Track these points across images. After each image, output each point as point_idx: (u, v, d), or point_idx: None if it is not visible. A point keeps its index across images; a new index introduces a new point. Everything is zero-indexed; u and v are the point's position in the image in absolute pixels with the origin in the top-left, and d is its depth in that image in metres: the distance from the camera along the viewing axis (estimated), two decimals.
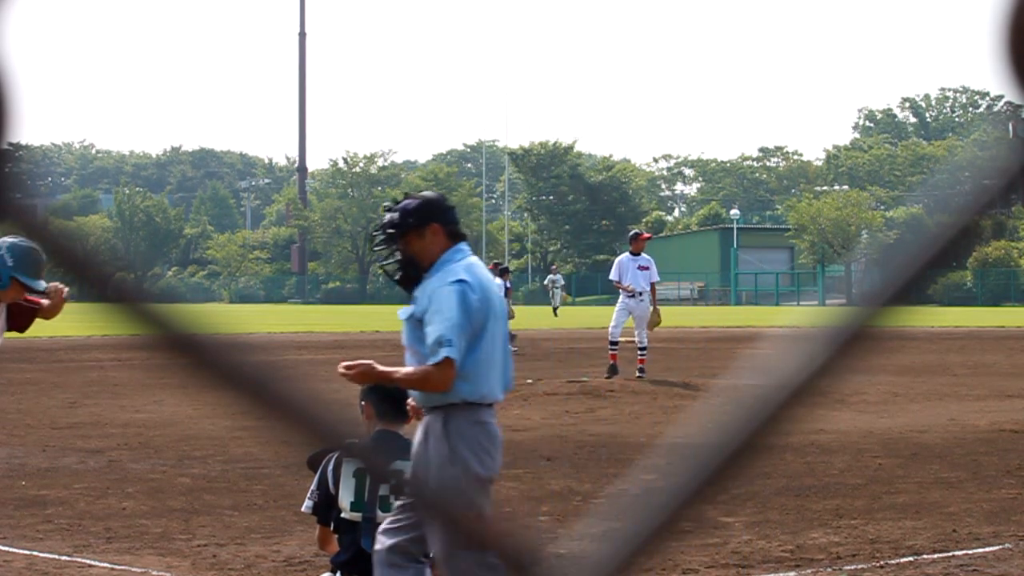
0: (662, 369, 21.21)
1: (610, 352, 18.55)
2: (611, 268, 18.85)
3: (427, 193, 5.31)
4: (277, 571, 7.13)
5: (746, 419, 1.00)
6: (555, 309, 51.28)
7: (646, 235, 19.12)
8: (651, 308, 18.23)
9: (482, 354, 4.96)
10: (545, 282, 57.65)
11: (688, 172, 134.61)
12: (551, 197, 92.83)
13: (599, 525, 7.57)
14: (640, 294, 18.31)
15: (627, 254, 18.75)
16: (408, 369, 4.96)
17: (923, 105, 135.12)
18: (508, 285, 27.18)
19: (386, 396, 5.39)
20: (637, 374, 18.08)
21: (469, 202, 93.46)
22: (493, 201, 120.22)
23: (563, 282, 52.40)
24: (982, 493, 9.41)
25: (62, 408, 15.76)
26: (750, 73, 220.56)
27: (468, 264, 5.04)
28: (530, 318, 47.10)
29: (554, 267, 57.45)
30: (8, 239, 6.69)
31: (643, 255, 18.55)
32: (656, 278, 18.39)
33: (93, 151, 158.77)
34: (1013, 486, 9.72)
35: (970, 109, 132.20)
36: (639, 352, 18.30)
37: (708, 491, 1.02)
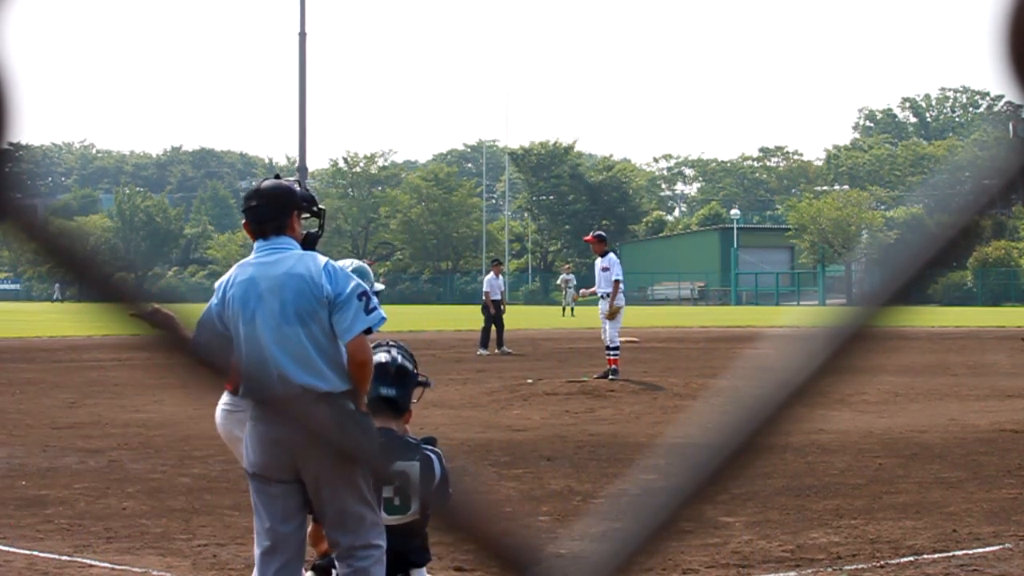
0: (662, 369, 21.20)
1: (607, 357, 18.48)
2: (615, 266, 18.76)
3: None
4: None
5: (746, 419, 1.00)
6: (571, 309, 52.10)
7: (587, 237, 18.96)
8: (612, 302, 18.10)
9: (239, 349, 5.08)
10: (558, 281, 58.38)
11: (688, 172, 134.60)
12: (551, 197, 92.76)
13: (599, 525, 7.57)
14: (605, 296, 18.23)
15: (598, 257, 18.70)
16: None
17: (923, 105, 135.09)
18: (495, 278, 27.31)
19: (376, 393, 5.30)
20: (610, 376, 17.92)
21: (469, 202, 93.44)
22: (493, 201, 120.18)
23: (575, 282, 52.89)
24: (982, 493, 9.41)
25: (62, 408, 15.76)
26: (750, 73, 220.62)
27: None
28: (530, 318, 47.10)
29: (567, 267, 58.53)
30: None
31: (609, 256, 18.41)
32: (616, 276, 18.11)
33: (93, 151, 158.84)
34: (1013, 486, 9.72)
35: (970, 109, 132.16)
36: (607, 352, 18.19)
37: (708, 491, 1.02)
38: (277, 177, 5.41)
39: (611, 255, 18.41)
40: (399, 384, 5.32)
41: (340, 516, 5.00)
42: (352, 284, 5.06)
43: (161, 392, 16.50)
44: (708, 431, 1.02)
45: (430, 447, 5.36)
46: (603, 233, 18.96)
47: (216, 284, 5.27)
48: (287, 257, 5.12)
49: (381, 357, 5.35)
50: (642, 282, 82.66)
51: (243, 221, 5.36)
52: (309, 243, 5.46)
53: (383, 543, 5.07)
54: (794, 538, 7.81)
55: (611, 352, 18.09)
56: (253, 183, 5.46)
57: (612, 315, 18.04)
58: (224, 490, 9.62)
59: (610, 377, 17.82)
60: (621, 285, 18.21)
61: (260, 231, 5.19)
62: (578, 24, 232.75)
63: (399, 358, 5.40)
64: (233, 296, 5.10)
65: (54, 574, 7.11)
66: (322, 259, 5.15)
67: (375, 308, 5.05)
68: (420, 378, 5.47)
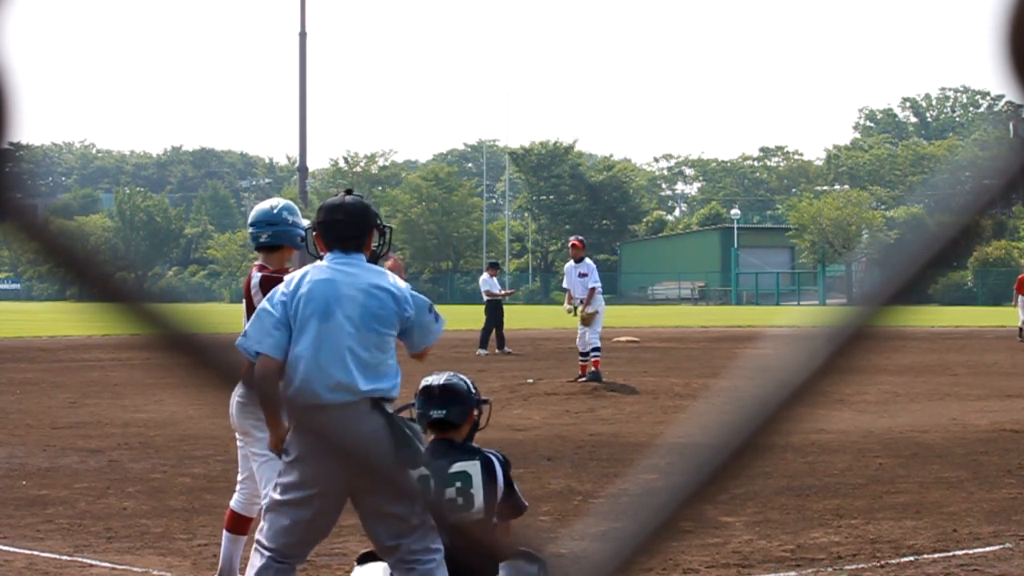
0: (662, 369, 21.21)
1: (580, 363, 18.29)
2: (593, 272, 18.57)
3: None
4: None
5: (746, 419, 1.00)
6: (575, 308, 52.72)
7: (573, 241, 18.84)
8: (585, 307, 17.99)
9: (307, 347, 5.07)
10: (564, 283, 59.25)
11: (688, 172, 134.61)
12: (551, 197, 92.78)
13: (599, 525, 7.57)
14: (581, 301, 18.17)
15: (571, 261, 18.60)
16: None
17: (923, 105, 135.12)
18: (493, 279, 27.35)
19: None
20: (585, 378, 17.68)
21: (469, 202, 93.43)
22: (493, 201, 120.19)
23: None
24: (982, 493, 9.41)
25: (62, 408, 15.76)
26: (750, 73, 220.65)
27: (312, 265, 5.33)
28: (530, 318, 47.09)
29: None
30: (276, 201, 6.64)
31: (585, 261, 18.34)
32: (592, 284, 18.02)
33: (93, 151, 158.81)
34: (1013, 486, 9.72)
35: (970, 109, 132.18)
36: (591, 354, 17.97)
37: (708, 491, 1.02)
38: (349, 192, 5.43)
39: (588, 260, 18.38)
40: (447, 403, 5.51)
41: (394, 521, 5.01)
42: (426, 304, 5.29)
43: (161, 392, 16.51)
44: (708, 431, 1.02)
45: (493, 451, 5.64)
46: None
47: (287, 277, 5.33)
48: (367, 270, 5.22)
49: (428, 380, 5.57)
50: (642, 282, 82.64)
51: (314, 232, 5.39)
52: (371, 259, 5.51)
53: (441, 547, 5.12)
54: (794, 538, 7.81)
55: (593, 354, 17.89)
56: (332, 197, 5.44)
57: (587, 320, 17.97)
58: (224, 490, 9.61)
59: (581, 380, 17.64)
60: (598, 290, 18.17)
61: (341, 247, 5.25)
62: (578, 24, 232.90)
63: (443, 379, 5.58)
64: (309, 292, 5.12)
65: (54, 574, 7.11)
66: (401, 281, 5.29)
67: (438, 316, 5.34)
68: (477, 397, 5.72)
